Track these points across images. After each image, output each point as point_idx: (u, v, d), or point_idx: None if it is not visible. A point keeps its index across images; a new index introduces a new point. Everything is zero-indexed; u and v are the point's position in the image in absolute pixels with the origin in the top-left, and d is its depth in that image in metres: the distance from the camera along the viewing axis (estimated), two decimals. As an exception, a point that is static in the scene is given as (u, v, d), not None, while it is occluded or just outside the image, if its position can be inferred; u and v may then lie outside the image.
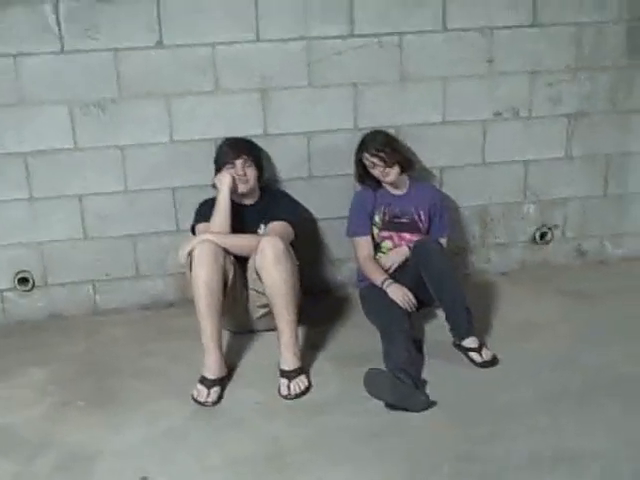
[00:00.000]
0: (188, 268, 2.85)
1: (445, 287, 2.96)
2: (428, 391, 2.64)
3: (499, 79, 3.56)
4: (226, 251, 2.89)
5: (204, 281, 2.77)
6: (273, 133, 3.44)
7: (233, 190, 3.10)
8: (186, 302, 3.34)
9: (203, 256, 2.80)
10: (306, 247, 3.38)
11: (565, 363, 2.83)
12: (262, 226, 3.17)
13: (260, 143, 3.35)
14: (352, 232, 3.33)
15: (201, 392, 2.69)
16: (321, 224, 3.62)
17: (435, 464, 2.24)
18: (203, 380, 2.73)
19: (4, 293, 3.47)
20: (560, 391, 2.63)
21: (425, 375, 2.77)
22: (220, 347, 2.82)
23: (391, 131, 3.42)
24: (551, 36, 3.54)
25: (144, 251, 3.50)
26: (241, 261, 3.01)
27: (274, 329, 2.89)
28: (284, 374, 2.76)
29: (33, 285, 3.46)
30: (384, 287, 3.09)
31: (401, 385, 2.57)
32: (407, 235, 3.27)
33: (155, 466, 2.31)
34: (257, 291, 2.99)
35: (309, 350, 3.01)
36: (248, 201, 3.23)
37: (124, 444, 2.45)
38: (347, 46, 3.40)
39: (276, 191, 3.40)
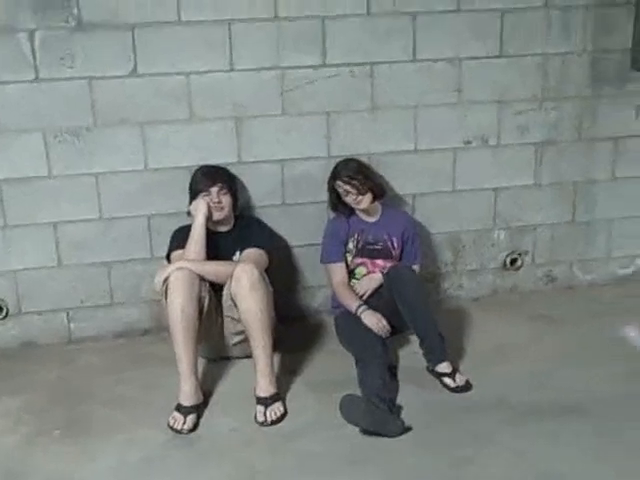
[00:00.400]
0: (163, 295, 2.86)
1: (418, 313, 3.00)
2: (403, 416, 2.67)
3: (468, 108, 3.63)
4: (201, 278, 2.91)
5: (180, 308, 2.78)
6: (247, 161, 3.47)
7: (208, 217, 3.12)
8: (161, 329, 3.36)
9: (178, 283, 2.81)
10: (280, 274, 3.40)
11: (536, 386, 2.88)
12: (237, 253, 3.19)
13: (234, 171, 3.38)
14: (326, 259, 3.36)
15: (177, 419, 2.69)
16: (295, 251, 3.65)
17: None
18: (179, 407, 2.73)
19: (-22, 322, 3.44)
20: (533, 414, 2.67)
21: (400, 400, 2.80)
22: (196, 374, 2.82)
23: (364, 159, 3.47)
24: (518, 66, 3.62)
25: (119, 278, 3.49)
26: (216, 288, 3.03)
27: (250, 356, 2.90)
28: (260, 401, 2.77)
29: (7, 313, 3.43)
30: (358, 313, 3.12)
31: (376, 410, 2.60)
32: (380, 262, 3.31)
33: (131, 495, 2.31)
34: (232, 318, 3.01)
35: (285, 376, 3.02)
36: (223, 228, 3.25)
37: (99, 473, 2.45)
38: (320, 75, 3.45)
39: (250, 218, 3.43)
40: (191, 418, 2.70)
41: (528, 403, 2.75)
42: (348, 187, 3.24)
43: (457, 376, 2.93)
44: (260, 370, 2.82)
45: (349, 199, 3.28)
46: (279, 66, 3.41)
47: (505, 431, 2.56)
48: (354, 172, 3.26)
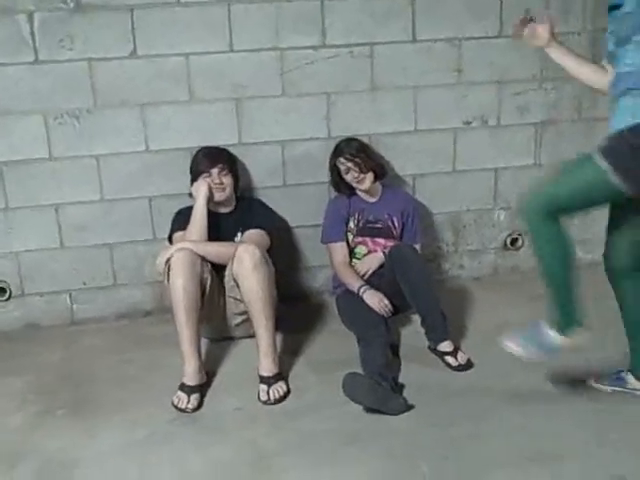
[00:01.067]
0: (166, 276, 2.87)
1: (420, 292, 3.02)
2: (405, 394, 2.68)
3: (468, 89, 3.64)
4: (203, 259, 2.92)
5: (182, 289, 2.79)
6: (248, 142, 3.48)
7: (209, 199, 3.13)
8: (163, 310, 3.38)
9: (180, 264, 2.82)
10: (282, 254, 3.41)
11: (537, 365, 2.89)
12: (239, 234, 3.20)
13: (235, 152, 3.39)
14: (327, 238, 3.38)
15: (181, 399, 2.71)
16: (296, 231, 3.66)
17: (414, 465, 2.28)
18: (183, 387, 2.75)
19: (-18, 304, 3.46)
20: (534, 392, 2.69)
21: (402, 379, 2.82)
22: (199, 354, 2.84)
23: (364, 139, 3.48)
24: (517, 47, 3.59)
25: (121, 260, 3.51)
26: (218, 269, 3.04)
27: (252, 336, 2.92)
28: (263, 380, 2.79)
29: (10, 295, 3.45)
30: (360, 293, 3.14)
31: (379, 388, 2.62)
32: (381, 240, 3.32)
33: (135, 473, 2.32)
34: (235, 298, 3.02)
35: (287, 356, 3.04)
36: (224, 210, 3.26)
37: (104, 451, 2.46)
38: (319, 56, 3.46)
39: (251, 199, 3.44)
40: (195, 397, 2.72)
41: (528, 382, 2.76)
42: (350, 164, 3.26)
43: (459, 355, 2.95)
44: (263, 350, 2.84)
45: (350, 177, 3.29)
46: (279, 47, 3.41)
47: (505, 409, 2.58)
48: (356, 150, 3.28)
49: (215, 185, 3.15)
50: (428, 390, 2.74)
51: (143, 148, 3.40)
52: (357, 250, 3.37)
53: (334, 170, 3.35)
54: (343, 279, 3.28)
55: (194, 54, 3.34)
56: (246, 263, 2.83)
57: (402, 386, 2.76)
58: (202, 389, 2.79)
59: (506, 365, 2.88)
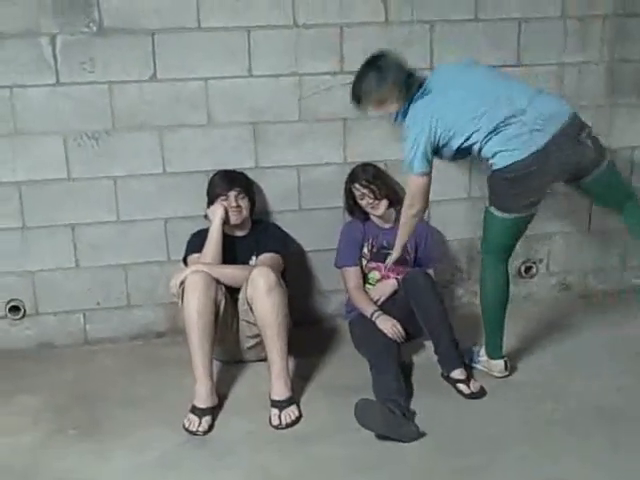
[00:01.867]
0: (180, 298, 2.88)
1: (433, 319, 3.02)
2: (417, 422, 2.67)
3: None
4: (218, 282, 2.93)
5: (196, 311, 2.80)
6: (264, 166, 3.50)
7: (225, 222, 3.15)
8: (176, 332, 3.39)
9: (195, 286, 2.83)
10: (295, 279, 3.41)
11: (551, 394, 2.88)
12: (253, 257, 3.21)
13: (251, 175, 3.41)
14: (341, 263, 3.38)
15: (192, 421, 2.71)
16: (310, 256, 3.66)
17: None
18: (194, 409, 2.75)
19: (-4, 321, 3.48)
20: (547, 421, 2.67)
21: (414, 406, 2.80)
22: (211, 376, 2.84)
23: (380, 165, 3.49)
24: (535, 76, 3.63)
25: (135, 281, 3.52)
26: (232, 292, 3.05)
27: (264, 359, 2.92)
28: (275, 404, 2.78)
29: (24, 314, 3.46)
30: (373, 318, 3.14)
31: (391, 415, 2.61)
32: (396, 267, 3.32)
33: (146, 495, 2.33)
34: (248, 322, 3.03)
35: (299, 380, 3.03)
36: (240, 233, 3.27)
37: (114, 473, 2.46)
38: (337, 82, 3.48)
39: (267, 223, 3.45)
40: (206, 420, 2.72)
41: (542, 410, 2.75)
42: (365, 191, 3.27)
43: (471, 383, 2.93)
44: (275, 373, 2.83)
45: (364, 203, 3.31)
46: (297, 72, 3.44)
47: (519, 438, 2.56)
48: (372, 177, 3.30)
49: (232, 208, 3.17)
50: (441, 418, 2.73)
51: (160, 170, 3.43)
52: (370, 275, 3.37)
53: (349, 195, 3.37)
54: (356, 304, 3.27)
55: (213, 78, 3.37)
56: (260, 286, 2.84)
57: (414, 413, 2.75)
58: (214, 412, 2.79)
59: (519, 393, 2.88)
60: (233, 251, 3.16)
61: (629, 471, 2.36)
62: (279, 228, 3.41)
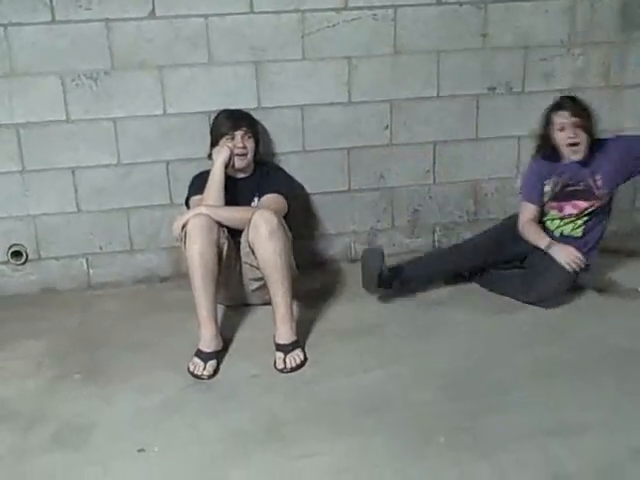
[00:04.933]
0: (182, 242, 2.84)
1: None
2: (423, 363, 2.66)
3: (493, 54, 3.55)
4: (220, 224, 2.89)
5: (198, 254, 2.76)
6: (267, 106, 3.43)
7: (228, 164, 3.08)
8: (180, 276, 3.36)
9: (197, 230, 2.79)
10: (299, 221, 3.38)
11: (559, 335, 2.86)
12: (256, 199, 3.15)
13: (254, 116, 3.32)
14: (523, 196, 3.33)
15: (197, 365, 2.70)
16: (314, 198, 3.61)
17: (432, 436, 2.25)
18: (199, 353, 2.73)
19: (-2, 266, 3.46)
20: (553, 364, 2.65)
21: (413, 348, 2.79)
22: (216, 320, 2.82)
23: (385, 105, 3.41)
24: (545, 11, 3.53)
25: (138, 225, 3.48)
26: (234, 234, 3.00)
27: (269, 303, 2.90)
28: (280, 348, 2.76)
29: (26, 259, 3.44)
30: (547, 249, 3.11)
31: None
32: (582, 202, 3.20)
33: (151, 438, 2.31)
34: (250, 265, 2.99)
35: (305, 324, 3.01)
36: (242, 174, 3.21)
37: (120, 416, 2.46)
38: (341, 19, 3.38)
39: (270, 164, 3.38)
40: (211, 364, 2.71)
41: (550, 353, 2.73)
42: (573, 120, 3.09)
43: None
44: (279, 317, 2.81)
45: (563, 135, 3.12)
46: (300, 9, 3.34)
47: (526, 381, 2.54)
48: (582, 108, 3.13)
49: (238, 149, 3.10)
50: (446, 360, 2.71)
51: (161, 111, 3.35)
52: (550, 214, 3.29)
53: (546, 126, 3.20)
54: (528, 236, 3.23)
55: (213, 15, 3.28)
56: (262, 230, 2.79)
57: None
58: (218, 355, 2.78)
59: (524, 335, 2.86)
60: (234, 193, 3.10)
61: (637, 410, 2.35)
62: (282, 170, 3.35)
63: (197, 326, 2.79)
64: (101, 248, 3.50)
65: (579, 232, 3.21)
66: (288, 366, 2.71)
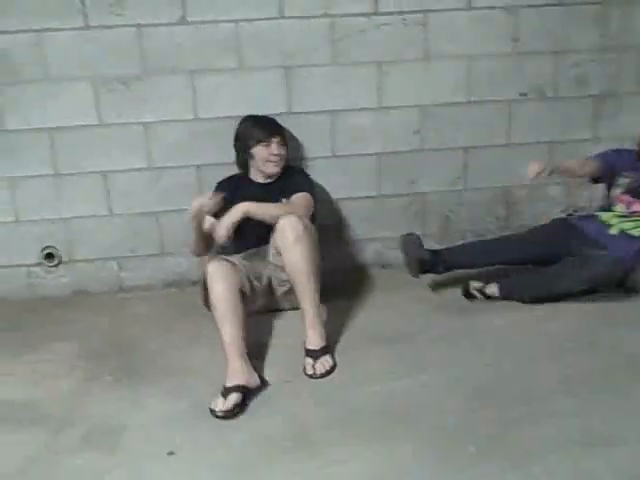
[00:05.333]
0: (203, 283, 2.87)
1: None
2: (454, 369, 2.64)
3: (525, 59, 3.53)
4: (239, 268, 2.89)
5: (221, 294, 2.72)
6: (297, 111, 3.43)
7: (261, 171, 3.12)
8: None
9: (217, 274, 2.77)
10: (327, 227, 3.38)
11: (592, 347, 2.81)
12: (283, 201, 3.16)
13: (284, 121, 3.34)
14: (595, 155, 3.38)
15: (216, 400, 2.48)
16: (344, 203, 3.61)
17: (462, 445, 2.22)
18: (222, 389, 2.52)
19: (31, 268, 3.50)
20: (584, 374, 2.61)
21: (451, 358, 2.78)
22: (242, 355, 2.63)
23: (414, 110, 3.40)
24: (577, 15, 3.50)
25: (168, 228, 3.51)
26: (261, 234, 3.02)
27: (298, 308, 2.89)
28: (309, 353, 2.75)
29: (59, 261, 3.48)
30: None
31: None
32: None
33: (180, 442, 2.31)
34: (276, 265, 2.99)
35: (335, 329, 3.00)
36: (269, 179, 3.22)
37: (150, 419, 2.46)
38: (371, 24, 3.38)
39: (293, 168, 3.35)
40: (231, 398, 2.47)
41: (582, 365, 2.68)
42: None
43: None
44: (308, 323, 2.80)
45: None
46: (329, 14, 3.35)
47: (558, 392, 2.51)
48: None
49: (274, 157, 3.12)
50: (477, 369, 2.69)
51: (191, 116, 3.38)
52: (616, 208, 3.28)
53: None
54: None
55: (244, 20, 3.29)
56: (289, 236, 2.78)
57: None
58: (245, 390, 2.53)
59: (557, 345, 2.83)
60: (260, 197, 3.10)
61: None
62: (304, 171, 3.36)
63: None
64: (132, 251, 3.53)
65: (638, 232, 3.18)
66: (317, 372, 2.69)
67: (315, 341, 2.77)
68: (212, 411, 2.46)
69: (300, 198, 3.10)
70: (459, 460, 2.16)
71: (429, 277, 3.35)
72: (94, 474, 2.18)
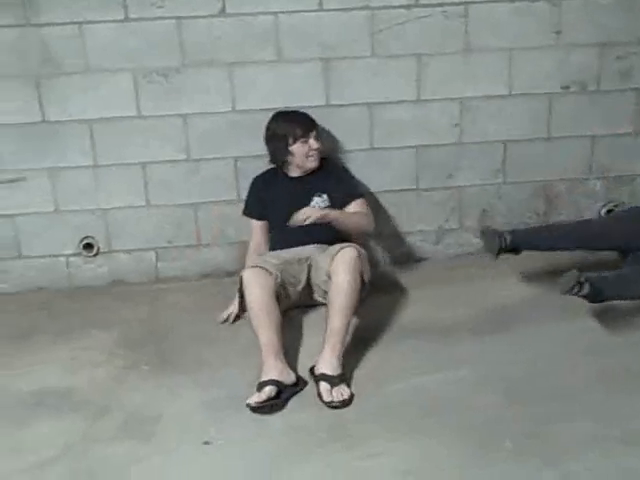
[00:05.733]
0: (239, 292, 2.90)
1: None
2: (487, 366, 2.61)
3: (567, 51, 3.46)
4: (275, 277, 2.88)
5: (258, 298, 2.75)
6: (335, 104, 3.42)
7: (299, 166, 3.17)
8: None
9: (253, 280, 2.79)
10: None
11: (627, 344, 2.76)
12: (316, 198, 3.17)
13: (322, 114, 3.33)
14: None
15: (252, 395, 2.49)
16: (381, 196, 3.58)
17: (497, 440, 2.20)
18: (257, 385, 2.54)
19: (69, 258, 3.54)
20: (621, 371, 2.57)
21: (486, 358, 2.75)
22: (277, 353, 2.64)
23: (455, 103, 3.36)
24: (622, 7, 3.42)
25: (205, 220, 3.52)
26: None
27: None
28: (325, 378, 2.54)
29: (97, 251, 3.52)
30: None
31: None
32: None
33: (216, 431, 2.33)
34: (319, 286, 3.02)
35: (371, 323, 2.98)
36: (306, 173, 3.23)
37: (186, 408, 2.49)
38: (411, 16, 3.34)
39: (331, 162, 3.34)
40: (266, 391, 2.48)
41: (618, 361, 2.63)
42: None
43: None
44: (330, 344, 2.63)
45: None
46: (369, 6, 3.32)
47: (593, 388, 2.47)
48: None
49: (313, 151, 3.13)
50: (511, 365, 2.65)
51: (229, 108, 3.38)
52: None
53: None
54: None
55: (283, 12, 3.29)
56: (341, 264, 2.77)
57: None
58: (281, 385, 2.53)
59: (595, 341, 2.78)
60: (295, 190, 3.11)
61: None
62: (346, 169, 3.36)
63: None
64: (169, 242, 3.55)
65: None
66: (336, 400, 2.46)
67: (332, 366, 2.58)
68: (248, 405, 2.45)
69: (361, 205, 3.19)
70: (494, 456, 2.15)
71: (464, 271, 3.32)
72: (130, 462, 2.21)
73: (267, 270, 2.87)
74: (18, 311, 3.35)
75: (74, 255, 3.53)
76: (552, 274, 3.31)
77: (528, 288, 3.28)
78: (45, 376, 2.75)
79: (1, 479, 2.17)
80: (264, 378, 2.53)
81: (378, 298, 3.20)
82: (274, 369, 2.56)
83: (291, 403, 2.49)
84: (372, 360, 2.74)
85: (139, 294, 3.44)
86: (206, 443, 2.28)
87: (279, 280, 2.89)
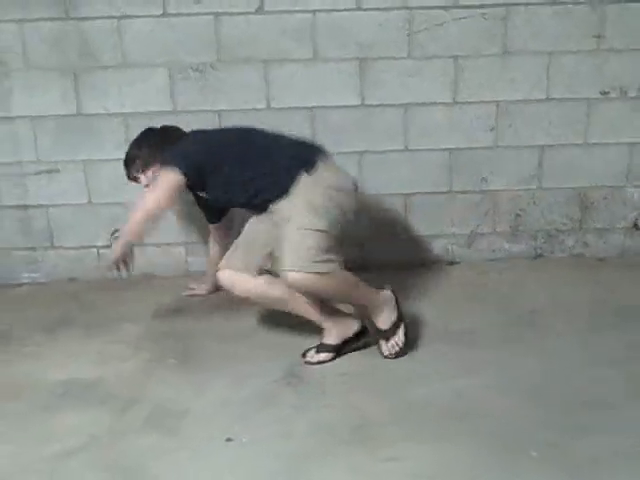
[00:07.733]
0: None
1: None
2: (519, 374, 2.57)
3: (607, 56, 3.41)
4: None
5: (255, 291, 2.75)
6: (370, 104, 3.40)
7: None
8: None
9: (230, 280, 2.77)
10: (395, 221, 3.34)
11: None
12: None
13: (357, 114, 3.34)
14: None
15: (311, 352, 2.75)
16: (414, 198, 3.56)
17: (521, 449, 2.16)
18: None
19: (100, 250, 3.57)
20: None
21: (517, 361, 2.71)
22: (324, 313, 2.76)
23: (492, 107, 3.32)
24: (667, 12, 3.37)
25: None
26: None
27: None
28: (381, 334, 2.74)
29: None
30: None
31: None
32: None
33: (240, 428, 2.32)
34: None
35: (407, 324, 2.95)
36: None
37: (211, 404, 2.48)
38: (450, 17, 3.32)
39: None
40: (324, 356, 2.73)
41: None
42: None
43: None
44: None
45: None
46: (408, 6, 3.30)
47: (622, 401, 2.42)
48: None
49: None
50: (539, 375, 2.61)
51: (264, 105, 3.38)
52: None
53: None
54: None
55: (321, 11, 3.28)
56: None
57: None
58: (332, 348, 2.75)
59: (623, 352, 2.73)
60: None
61: None
62: None
63: (292, 320, 2.82)
64: (199, 238, 3.55)
65: None
66: (392, 351, 2.72)
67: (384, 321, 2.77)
68: (304, 356, 2.73)
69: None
70: (518, 465, 2.10)
71: (495, 276, 3.25)
72: (155, 456, 2.20)
73: (240, 263, 2.77)
74: (49, 301, 3.39)
75: (105, 247, 3.55)
76: (582, 281, 3.28)
77: (559, 295, 3.23)
78: (75, 368, 2.76)
79: (26, 466, 2.18)
80: (323, 341, 2.75)
81: (407, 300, 3.17)
82: (328, 333, 2.75)
83: (317, 401, 2.48)
84: (397, 363, 2.72)
85: (168, 288, 3.45)
86: (229, 440, 2.27)
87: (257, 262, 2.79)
